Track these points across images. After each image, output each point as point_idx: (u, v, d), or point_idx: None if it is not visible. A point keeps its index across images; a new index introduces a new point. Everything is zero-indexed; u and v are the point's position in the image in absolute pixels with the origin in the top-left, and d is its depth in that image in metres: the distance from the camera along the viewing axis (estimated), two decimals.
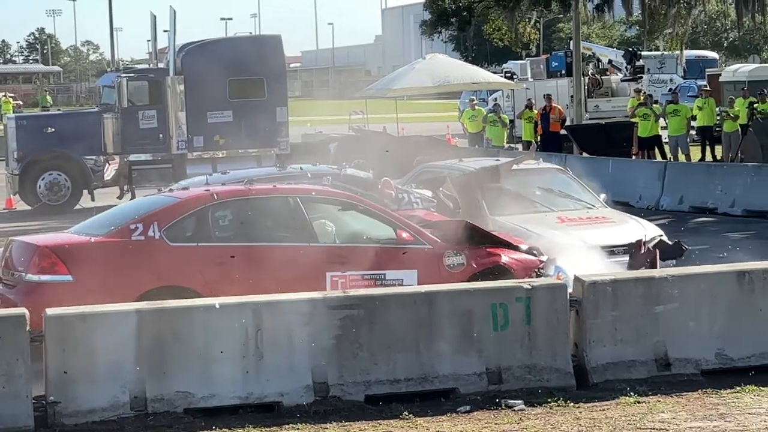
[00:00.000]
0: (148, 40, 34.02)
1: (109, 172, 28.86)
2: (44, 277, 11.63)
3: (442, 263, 12.57)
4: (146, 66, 34.18)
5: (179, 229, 11.99)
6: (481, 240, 12.94)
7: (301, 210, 12.39)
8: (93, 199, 28.56)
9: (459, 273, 12.52)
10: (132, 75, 29.50)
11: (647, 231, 15.43)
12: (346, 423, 9.53)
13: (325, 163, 17.31)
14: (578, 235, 14.81)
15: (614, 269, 13.29)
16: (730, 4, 44.18)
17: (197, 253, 11.89)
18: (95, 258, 11.72)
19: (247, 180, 13.41)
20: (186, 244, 11.92)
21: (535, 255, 13.18)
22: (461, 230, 12.89)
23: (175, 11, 28.74)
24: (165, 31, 30.54)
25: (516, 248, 13.15)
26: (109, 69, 75.22)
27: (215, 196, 12.32)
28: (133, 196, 28.67)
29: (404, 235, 12.61)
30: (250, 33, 35.82)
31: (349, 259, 12.25)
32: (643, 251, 13.99)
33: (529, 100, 38.26)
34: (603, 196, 17.04)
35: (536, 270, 12.90)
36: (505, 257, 12.91)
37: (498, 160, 17.98)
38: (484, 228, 13.35)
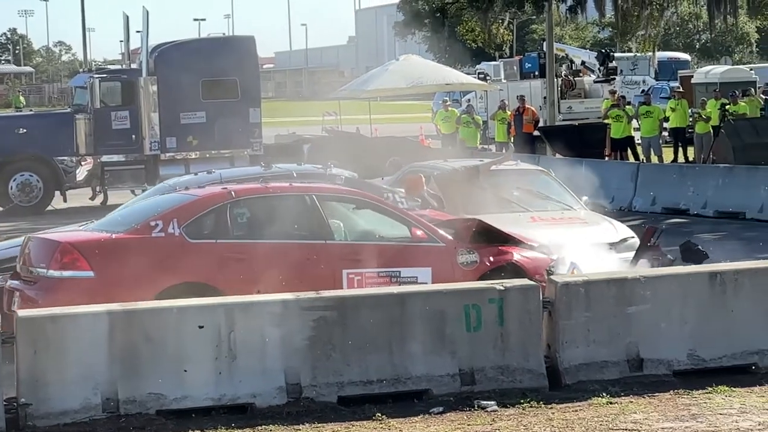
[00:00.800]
0: (121, 41, 33.93)
1: (82, 173, 28.78)
2: (66, 273, 11.69)
3: (456, 261, 12.67)
4: (119, 67, 34.06)
5: (198, 226, 12.09)
6: (493, 238, 13.05)
7: (317, 208, 12.49)
8: (65, 200, 28.49)
9: (472, 271, 12.63)
10: (105, 76, 29.42)
11: (619, 233, 15.49)
12: (319, 424, 9.52)
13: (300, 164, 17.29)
14: (544, 234, 14.84)
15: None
16: (702, 6, 44.33)
17: (216, 249, 11.99)
18: (116, 254, 11.80)
19: (262, 178, 13.54)
20: (205, 240, 12.02)
21: (545, 253, 13.31)
22: (474, 228, 13.02)
23: (147, 12, 28.68)
24: (138, 31, 30.44)
25: (528, 246, 13.27)
26: (81, 70, 74.96)
27: (233, 193, 12.41)
28: (105, 198, 28.63)
29: (419, 233, 12.73)
30: (224, 34, 35.80)
31: (365, 256, 12.36)
32: (650, 245, 14.11)
33: (502, 101, 38.33)
34: (585, 198, 17.09)
35: (548, 268, 12.97)
36: (517, 255, 13.02)
37: (482, 160, 18.07)
38: (496, 226, 13.43)
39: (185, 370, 9.69)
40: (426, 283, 12.16)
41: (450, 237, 12.84)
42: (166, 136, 28.35)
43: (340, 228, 12.57)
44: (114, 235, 11.97)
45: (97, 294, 10.85)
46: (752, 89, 35.21)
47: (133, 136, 28.32)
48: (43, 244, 12.22)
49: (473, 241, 12.88)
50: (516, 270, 12.68)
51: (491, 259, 12.82)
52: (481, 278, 12.22)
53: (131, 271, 11.65)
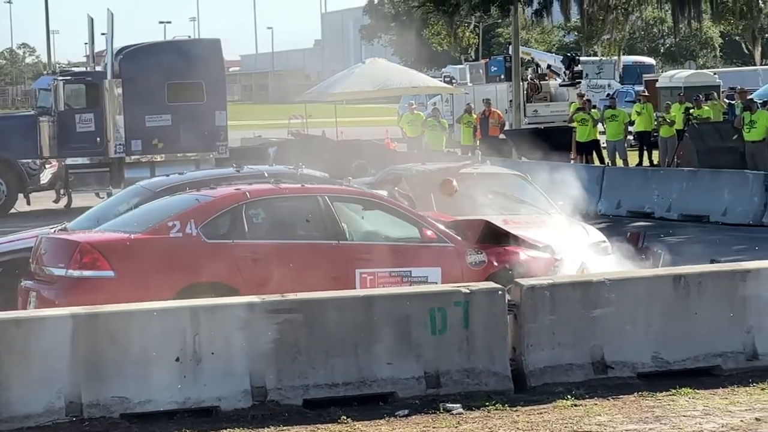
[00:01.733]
0: (86, 43, 33.74)
1: (46, 175, 28.65)
2: (87, 273, 11.71)
3: (465, 261, 12.78)
4: (83, 69, 33.93)
5: (215, 226, 12.17)
6: (500, 238, 13.17)
7: (330, 208, 12.59)
8: (29, 203, 28.35)
9: (480, 271, 12.73)
10: (69, 78, 29.31)
11: (591, 237, 15.55)
12: (284, 427, 9.50)
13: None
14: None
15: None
16: (667, 11, 44.59)
17: (233, 250, 12.06)
18: (136, 254, 11.85)
19: (274, 179, 13.60)
20: (222, 241, 12.09)
21: (549, 254, 13.43)
22: (482, 229, 13.17)
23: (112, 14, 28.58)
24: (103, 34, 30.35)
25: (533, 246, 13.37)
26: (45, 72, 74.59)
27: (248, 194, 12.48)
28: (69, 201, 28.50)
29: (428, 233, 12.84)
30: (189, 36, 35.62)
31: (377, 256, 12.47)
32: (639, 248, 14.25)
33: (468, 104, 38.41)
34: (561, 203, 17.14)
35: (553, 267, 13.17)
36: (524, 255, 13.12)
37: (465, 163, 18.16)
38: (502, 227, 13.56)
39: (149, 374, 9.65)
40: (436, 283, 12.26)
41: (458, 237, 12.96)
42: (131, 138, 28.25)
43: (352, 228, 12.70)
44: (133, 235, 12.02)
45: (118, 294, 10.85)
46: (715, 93, 35.36)
47: (98, 139, 28.21)
48: (60, 244, 12.23)
49: (480, 241, 13.04)
50: (522, 270, 12.79)
51: (499, 259, 12.96)
52: (489, 278, 12.30)
53: (150, 271, 11.74)
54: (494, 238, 13.15)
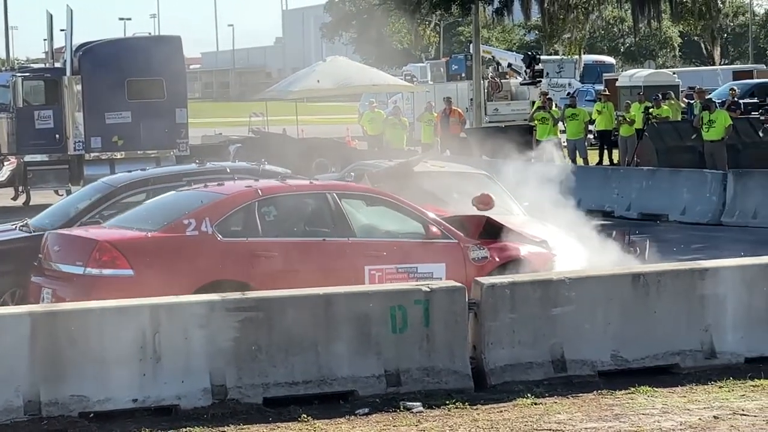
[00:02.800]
0: (45, 39, 33.58)
1: (4, 172, 28.45)
2: (106, 271, 11.69)
3: (468, 257, 12.89)
4: (42, 65, 33.73)
5: (229, 224, 12.22)
6: (501, 234, 13.29)
7: (339, 205, 12.68)
8: None
9: (483, 266, 12.84)
10: (27, 74, 29.13)
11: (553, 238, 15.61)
12: (245, 426, 9.48)
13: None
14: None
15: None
16: (627, 10, 44.77)
17: (247, 247, 12.10)
18: (154, 253, 11.86)
19: (281, 176, 13.69)
20: (236, 239, 12.13)
21: (548, 249, 13.60)
22: (484, 224, 13.35)
23: (72, 10, 28.42)
24: (62, 30, 30.23)
25: (532, 242, 13.50)
26: (3, 68, 74.07)
27: (260, 191, 12.52)
28: (28, 198, 28.33)
29: (433, 229, 12.93)
30: (150, 33, 35.47)
31: (385, 253, 12.57)
32: (627, 243, 14.43)
33: (428, 102, 38.43)
34: (526, 204, 17.16)
35: (550, 262, 13.34)
36: (524, 251, 13.26)
37: (420, 157, 18.20)
38: (502, 223, 13.67)
39: (109, 372, 9.60)
40: (440, 279, 12.32)
41: (460, 233, 13.07)
42: (91, 135, 28.11)
43: (360, 225, 12.79)
44: (150, 234, 12.02)
45: (137, 292, 10.79)
46: (672, 93, 35.54)
47: (57, 136, 28.06)
48: (77, 242, 12.21)
49: (482, 236, 13.18)
50: (522, 265, 12.96)
51: (501, 254, 13.09)
52: (491, 273, 12.42)
53: (168, 269, 11.75)
54: (495, 233, 13.31)
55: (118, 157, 28.25)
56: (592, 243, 14.83)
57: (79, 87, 27.97)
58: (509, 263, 12.99)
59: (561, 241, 15.37)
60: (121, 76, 28.13)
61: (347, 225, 12.61)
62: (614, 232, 15.74)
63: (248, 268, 11.99)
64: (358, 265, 12.39)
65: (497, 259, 13.00)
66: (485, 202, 14.18)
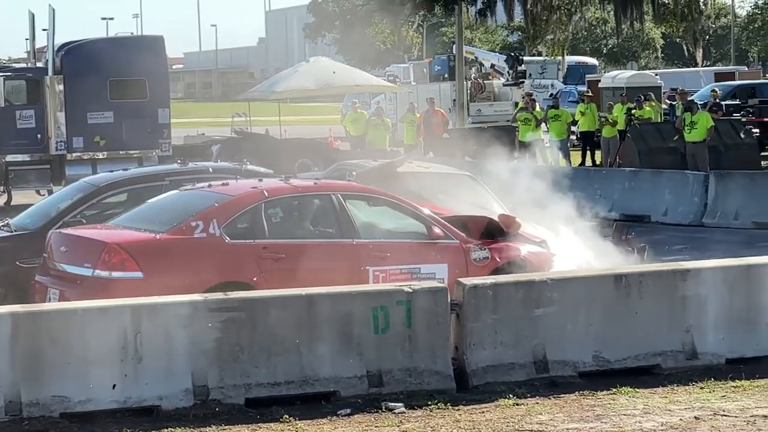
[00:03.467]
0: (27, 39, 33.45)
1: None
2: (116, 274, 11.66)
3: (470, 257, 12.95)
4: (24, 65, 33.60)
5: (236, 226, 12.24)
6: (501, 234, 13.37)
7: (343, 206, 12.71)
8: None
9: (484, 266, 12.91)
10: (9, 74, 28.99)
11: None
12: (226, 426, 9.47)
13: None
14: None
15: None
16: (610, 12, 44.84)
17: (255, 249, 12.11)
18: (163, 255, 11.86)
19: (284, 176, 13.66)
20: (244, 241, 12.15)
21: (546, 249, 13.69)
22: (484, 225, 13.43)
23: (54, 9, 28.34)
24: (44, 29, 30.07)
25: (532, 242, 13.59)
26: None
27: (266, 193, 12.53)
28: (9, 197, 28.24)
29: (436, 230, 12.97)
30: (132, 33, 35.47)
31: (389, 254, 12.62)
32: (623, 238, 14.46)
33: (411, 103, 38.44)
34: (510, 205, 17.20)
35: (550, 262, 13.45)
36: (524, 251, 13.34)
37: (403, 158, 18.24)
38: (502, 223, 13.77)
39: (90, 373, 9.58)
40: (443, 279, 12.35)
41: (462, 234, 13.12)
42: (73, 135, 28.02)
43: (364, 226, 12.82)
44: (158, 236, 12.00)
45: (146, 295, 10.74)
46: (652, 95, 35.57)
47: (39, 136, 27.96)
48: (85, 243, 12.16)
49: (483, 237, 13.24)
50: (523, 265, 13.05)
51: (501, 255, 13.17)
52: (492, 274, 12.47)
53: (177, 271, 11.74)
54: (496, 233, 13.38)
55: (100, 157, 28.16)
56: (579, 242, 14.89)
57: (61, 87, 27.88)
58: (510, 264, 13.07)
59: (552, 240, 15.44)
60: (104, 76, 28.05)
61: (352, 226, 12.65)
62: (614, 224, 15.78)
63: (255, 269, 12.01)
64: (363, 266, 12.45)
65: (498, 260, 13.08)
66: (508, 224, 14.18)
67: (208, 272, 11.81)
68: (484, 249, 13.09)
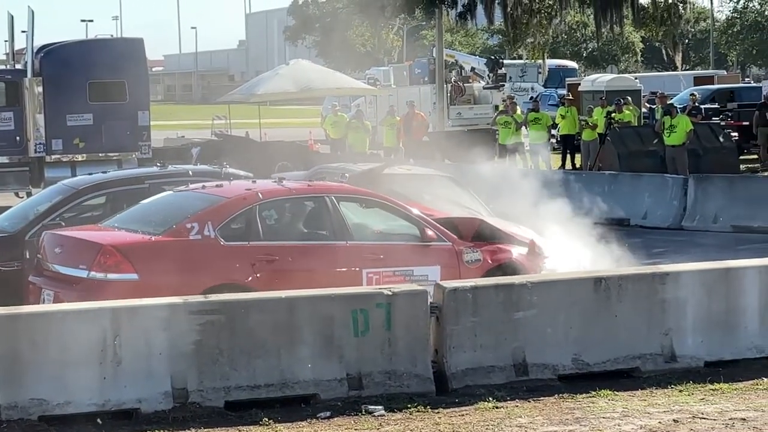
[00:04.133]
0: (6, 41, 33.32)
1: None
2: (111, 276, 11.68)
3: (462, 259, 13.01)
4: (3, 67, 33.47)
5: (231, 228, 12.28)
6: (493, 237, 13.44)
7: (337, 209, 12.77)
8: None
9: (476, 269, 12.99)
10: None
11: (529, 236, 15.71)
12: (205, 429, 9.45)
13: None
14: None
15: None
16: (590, 16, 44.92)
17: (249, 251, 12.15)
18: (158, 257, 11.88)
19: (278, 178, 13.73)
20: (238, 243, 12.18)
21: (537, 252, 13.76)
22: (477, 227, 13.52)
23: (33, 11, 28.23)
24: (23, 31, 29.95)
25: (523, 244, 13.64)
26: None
27: (260, 195, 12.57)
28: None
29: (429, 232, 13.03)
30: (112, 35, 35.39)
31: (382, 256, 12.68)
32: None
33: (391, 106, 38.43)
34: (491, 206, 17.25)
35: (541, 264, 13.55)
36: (515, 253, 13.44)
37: (384, 164, 18.27)
38: (494, 226, 13.82)
39: (69, 375, 9.55)
40: (435, 281, 12.31)
41: (454, 236, 13.18)
42: (52, 138, 27.91)
43: (358, 228, 12.88)
44: (153, 237, 12.01)
45: (141, 296, 10.76)
46: (629, 98, 35.61)
47: (18, 138, 27.85)
48: (80, 245, 12.17)
49: (475, 239, 13.30)
50: (515, 268, 13.14)
51: (493, 257, 13.26)
52: (484, 276, 12.58)
53: (172, 273, 11.76)
54: (488, 236, 13.45)
55: (80, 159, 28.06)
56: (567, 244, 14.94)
57: (40, 89, 27.78)
58: (501, 266, 13.17)
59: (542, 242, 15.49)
60: (83, 78, 27.96)
61: (345, 228, 12.71)
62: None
63: (250, 271, 12.05)
64: (357, 268, 12.52)
65: (490, 262, 13.17)
66: (532, 251, 14.19)
67: (203, 274, 11.87)
68: (476, 251, 13.18)
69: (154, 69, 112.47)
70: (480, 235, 13.47)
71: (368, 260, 12.60)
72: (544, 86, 52.74)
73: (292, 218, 12.93)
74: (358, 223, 12.96)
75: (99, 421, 9.54)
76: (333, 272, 12.32)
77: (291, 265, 12.20)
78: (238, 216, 12.35)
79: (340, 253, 12.53)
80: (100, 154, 28.04)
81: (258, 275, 12.04)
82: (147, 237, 12.06)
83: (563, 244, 15.19)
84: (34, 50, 28.12)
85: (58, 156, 28.04)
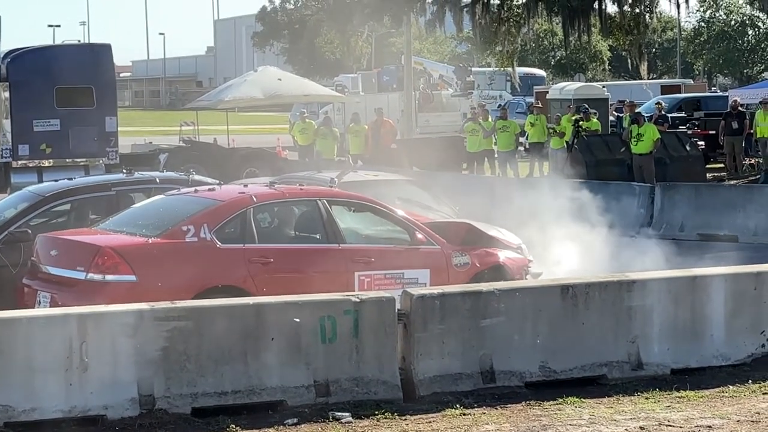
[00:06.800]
0: None
1: None
2: (109, 277, 11.72)
3: (451, 263, 13.17)
4: None
5: (226, 230, 12.37)
6: (480, 240, 13.58)
7: (329, 212, 12.90)
8: None
9: (465, 272, 13.15)
10: None
11: (509, 239, 15.73)
12: None
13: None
14: None
15: None
16: (557, 24, 45.06)
17: (244, 254, 12.24)
18: (155, 259, 11.94)
19: (271, 181, 13.82)
20: (234, 245, 12.27)
21: (522, 255, 14.01)
22: (464, 231, 13.67)
23: (0, 16, 28.14)
24: None
25: (509, 248, 13.84)
26: None
27: (254, 198, 12.71)
28: None
29: (419, 236, 13.18)
30: (79, 41, 35.23)
31: (373, 259, 12.81)
32: None
33: (355, 113, 38.42)
34: (458, 208, 17.34)
35: (526, 268, 13.77)
36: (502, 257, 13.62)
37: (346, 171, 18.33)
38: (481, 229, 13.95)
39: (35, 382, 9.50)
40: (425, 284, 12.58)
41: (443, 240, 13.29)
42: (18, 143, 27.80)
43: (349, 231, 13.01)
44: (150, 240, 12.07)
45: (140, 298, 10.77)
46: (596, 112, 35.68)
47: None
48: (77, 247, 12.19)
49: (464, 243, 13.43)
50: (502, 271, 13.35)
51: (481, 260, 13.42)
52: (473, 279, 12.76)
53: (169, 275, 11.85)
54: (475, 239, 13.59)
55: (46, 165, 27.96)
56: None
57: (6, 94, 27.67)
58: (489, 269, 13.34)
59: (515, 243, 15.54)
60: (50, 83, 27.87)
61: (338, 231, 12.85)
62: None
63: (246, 274, 12.16)
64: (349, 271, 12.65)
65: (478, 265, 13.33)
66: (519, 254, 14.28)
67: (200, 276, 11.96)
68: (465, 255, 13.33)
69: (121, 75, 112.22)
70: (468, 239, 13.58)
71: (360, 263, 12.75)
72: (512, 94, 52.89)
73: (285, 221, 13.09)
74: (350, 226, 13.12)
75: (65, 427, 9.50)
76: (326, 275, 12.45)
77: (285, 267, 12.36)
78: (233, 219, 12.47)
79: (333, 256, 12.68)
80: (67, 160, 27.95)
81: (253, 277, 12.17)
82: (144, 239, 12.14)
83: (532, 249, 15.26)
84: (1, 55, 28.01)
85: (24, 161, 27.92)
